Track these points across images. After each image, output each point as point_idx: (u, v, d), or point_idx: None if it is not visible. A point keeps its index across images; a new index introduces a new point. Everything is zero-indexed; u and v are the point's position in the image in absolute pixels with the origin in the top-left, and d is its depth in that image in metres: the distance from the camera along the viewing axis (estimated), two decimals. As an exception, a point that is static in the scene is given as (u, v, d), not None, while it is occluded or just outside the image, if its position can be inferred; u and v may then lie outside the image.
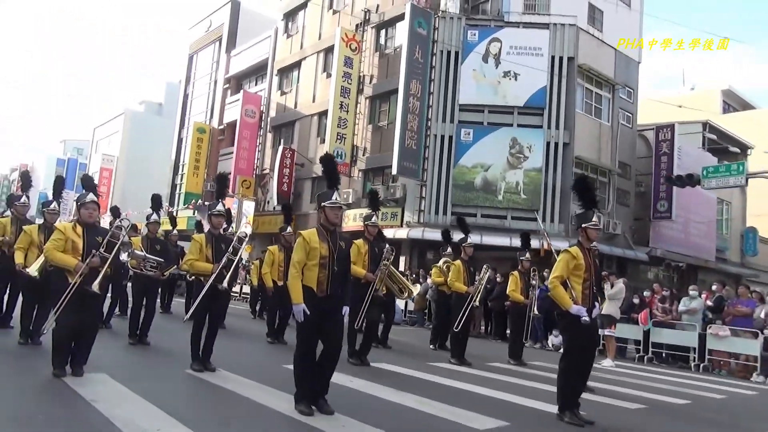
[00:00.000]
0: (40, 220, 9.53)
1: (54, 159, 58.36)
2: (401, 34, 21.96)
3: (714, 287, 11.50)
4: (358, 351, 7.38)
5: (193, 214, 30.79)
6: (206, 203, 28.37)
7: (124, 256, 6.32)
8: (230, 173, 27.70)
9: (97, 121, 52.49)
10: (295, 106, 26.76)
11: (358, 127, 22.62)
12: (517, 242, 15.25)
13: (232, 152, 28.02)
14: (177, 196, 34.99)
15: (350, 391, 5.58)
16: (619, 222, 20.26)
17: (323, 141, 24.06)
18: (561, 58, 19.27)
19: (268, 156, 27.67)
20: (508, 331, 10.76)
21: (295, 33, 27.67)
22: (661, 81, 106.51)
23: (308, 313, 4.45)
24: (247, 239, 6.46)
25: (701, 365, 10.50)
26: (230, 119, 30.78)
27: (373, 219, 7.42)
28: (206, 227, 6.50)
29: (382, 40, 23.03)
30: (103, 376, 5.24)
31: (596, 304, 5.32)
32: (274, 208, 25.88)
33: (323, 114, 24.64)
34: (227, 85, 32.19)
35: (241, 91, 29.08)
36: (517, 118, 19.42)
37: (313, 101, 25.57)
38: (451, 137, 19.49)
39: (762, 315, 10.05)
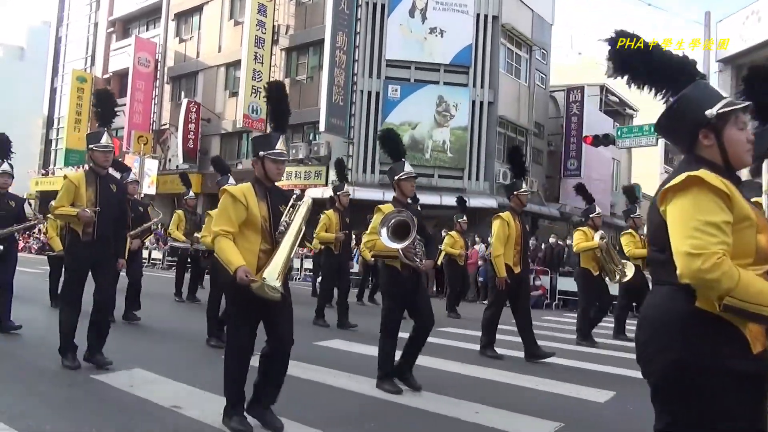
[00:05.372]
0: None
1: None
2: (320, -19, 20.83)
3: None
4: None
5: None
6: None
7: None
8: (123, 128, 25.15)
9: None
10: (197, 56, 24.65)
11: (273, 81, 21.26)
12: (447, 201, 15.61)
13: (124, 105, 25.30)
14: (53, 153, 31.33)
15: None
16: (535, 180, 21.05)
17: (233, 94, 22.51)
18: (486, 17, 19.27)
19: (166, 110, 25.40)
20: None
21: (195, -26, 25.23)
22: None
23: None
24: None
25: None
26: (117, 68, 27.83)
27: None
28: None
29: (298, -12, 21.66)
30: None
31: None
32: (177, 166, 23.94)
33: (231, 65, 23.00)
34: (112, 29, 28.93)
35: (133, 36, 26.22)
36: (444, 75, 19.24)
37: (219, 51, 23.69)
38: (378, 93, 18.93)
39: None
